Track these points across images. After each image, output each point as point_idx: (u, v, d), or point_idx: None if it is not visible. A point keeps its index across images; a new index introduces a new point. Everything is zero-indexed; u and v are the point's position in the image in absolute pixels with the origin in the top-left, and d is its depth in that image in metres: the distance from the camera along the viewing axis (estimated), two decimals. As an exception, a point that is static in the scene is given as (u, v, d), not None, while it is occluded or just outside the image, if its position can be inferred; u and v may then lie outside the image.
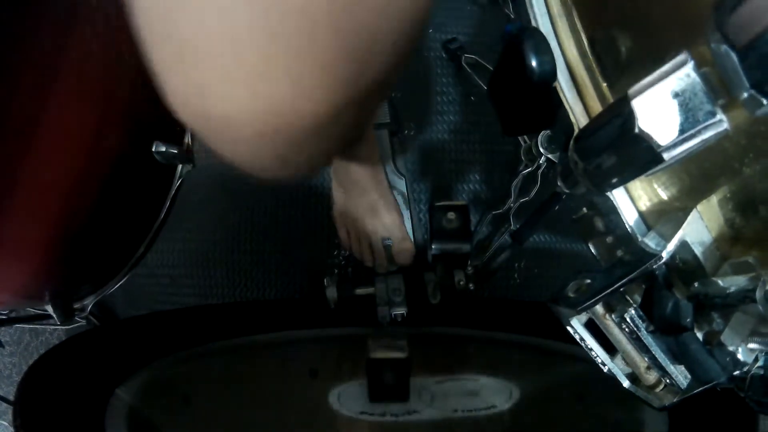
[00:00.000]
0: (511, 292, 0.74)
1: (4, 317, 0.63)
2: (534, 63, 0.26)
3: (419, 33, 0.21)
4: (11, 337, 0.76)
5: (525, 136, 0.55)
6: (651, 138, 0.21)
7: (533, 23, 0.30)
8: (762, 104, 0.18)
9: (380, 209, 0.66)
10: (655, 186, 0.28)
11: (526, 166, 0.57)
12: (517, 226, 0.61)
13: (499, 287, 0.74)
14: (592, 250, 0.33)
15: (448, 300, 0.62)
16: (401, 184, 0.70)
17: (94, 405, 0.54)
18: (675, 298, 0.25)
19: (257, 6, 0.16)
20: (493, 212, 0.67)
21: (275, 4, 0.16)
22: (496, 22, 0.73)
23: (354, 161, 0.60)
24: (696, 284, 0.26)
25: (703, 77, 0.21)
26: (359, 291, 0.64)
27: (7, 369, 0.76)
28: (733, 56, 0.18)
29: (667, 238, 0.26)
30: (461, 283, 0.63)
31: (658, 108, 0.21)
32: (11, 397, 0.53)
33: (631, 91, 0.21)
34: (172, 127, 0.61)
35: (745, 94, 0.19)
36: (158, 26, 0.18)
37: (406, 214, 0.70)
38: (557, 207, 0.55)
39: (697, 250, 0.25)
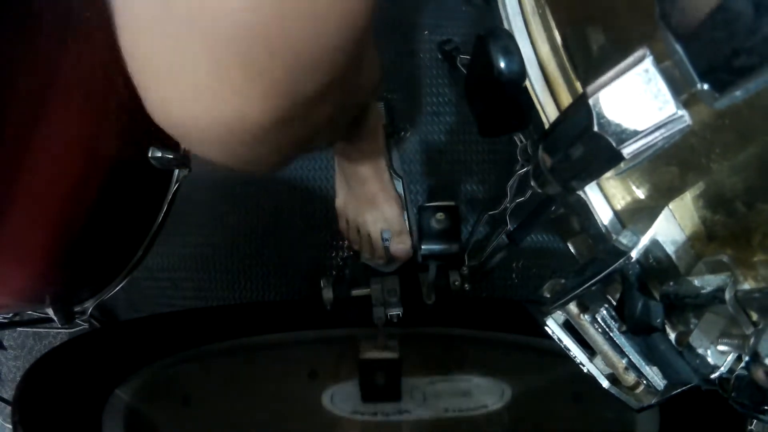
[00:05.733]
0: (509, 291, 0.73)
1: (6, 321, 0.64)
2: (501, 63, 0.26)
3: (357, 47, 0.24)
4: (15, 341, 0.78)
5: (521, 136, 0.54)
6: (610, 136, 0.21)
7: (505, 23, 0.30)
8: (715, 96, 0.18)
9: (380, 201, 0.66)
10: (630, 183, 0.28)
11: (522, 166, 0.56)
12: (514, 227, 0.60)
13: (497, 287, 0.73)
14: (572, 250, 0.32)
15: (443, 300, 0.62)
16: (398, 185, 0.70)
17: (92, 404, 0.55)
18: (644, 298, 0.24)
19: (203, 36, 0.19)
20: (490, 213, 0.66)
21: (216, 33, 0.19)
22: (492, 22, 0.72)
23: (356, 153, 0.61)
24: (671, 283, 0.26)
25: (664, 72, 0.20)
26: (355, 292, 0.64)
27: (12, 372, 0.78)
28: (679, 48, 0.17)
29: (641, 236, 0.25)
30: (456, 283, 0.63)
31: (617, 105, 0.21)
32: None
33: (589, 88, 0.21)
34: (167, 133, 0.62)
35: (698, 87, 0.18)
36: (128, 45, 0.22)
37: (404, 215, 0.69)
38: (553, 207, 0.54)
39: (669, 249, 0.25)
